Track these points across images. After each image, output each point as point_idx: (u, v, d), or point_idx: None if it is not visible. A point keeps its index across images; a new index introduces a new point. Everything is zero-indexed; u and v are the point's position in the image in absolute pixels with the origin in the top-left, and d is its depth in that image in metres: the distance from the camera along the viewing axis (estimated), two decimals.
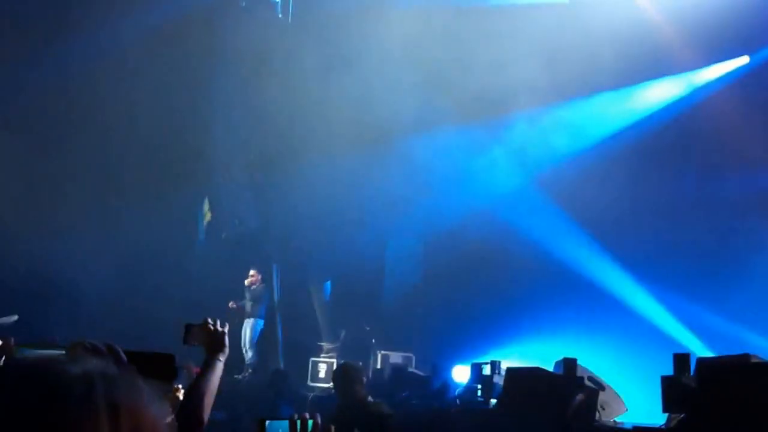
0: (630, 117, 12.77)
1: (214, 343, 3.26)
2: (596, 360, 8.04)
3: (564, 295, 11.79)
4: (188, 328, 3.33)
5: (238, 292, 12.68)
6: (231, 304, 12.46)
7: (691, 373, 4.97)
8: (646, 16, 12.11)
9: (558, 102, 12.89)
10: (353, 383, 6.16)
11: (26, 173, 12.19)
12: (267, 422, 2.73)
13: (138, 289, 11.88)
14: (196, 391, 3.09)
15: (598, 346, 10.39)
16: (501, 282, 12.30)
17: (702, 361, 3.80)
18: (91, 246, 12.23)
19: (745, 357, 3.89)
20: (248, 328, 12.52)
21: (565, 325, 11.31)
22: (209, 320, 3.29)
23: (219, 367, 3.22)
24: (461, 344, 11.60)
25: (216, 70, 13.36)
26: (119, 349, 1.75)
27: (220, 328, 3.30)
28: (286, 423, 2.68)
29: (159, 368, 1.82)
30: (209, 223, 13.57)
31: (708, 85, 12.36)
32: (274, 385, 10.46)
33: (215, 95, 13.37)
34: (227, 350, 3.26)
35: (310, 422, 2.63)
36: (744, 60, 12.20)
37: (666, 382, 5.04)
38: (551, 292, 11.89)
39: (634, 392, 7.44)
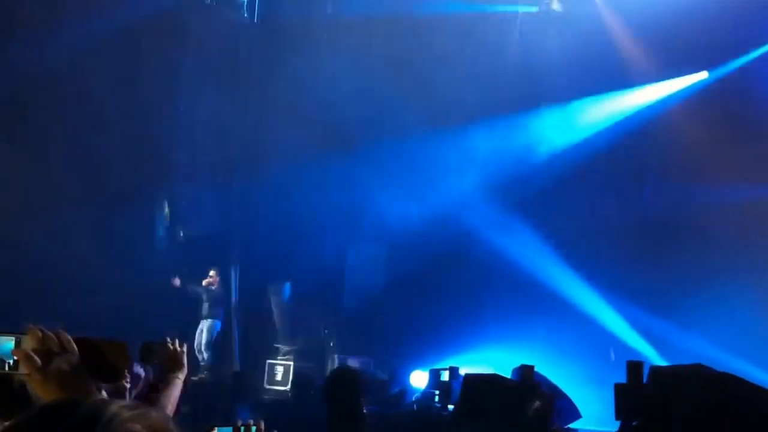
0: (589, 129, 12.92)
1: (173, 362, 3.32)
2: (553, 367, 8.10)
3: (524, 303, 11.87)
4: (148, 346, 3.39)
5: (197, 292, 12.52)
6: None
7: (644, 380, 5.01)
8: (609, 29, 12.29)
9: (519, 112, 12.98)
10: (357, 393, 5.01)
11: None
12: (216, 429, 2.75)
13: (95, 285, 11.66)
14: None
15: (556, 353, 10.47)
16: (462, 289, 12.34)
17: (655, 370, 3.84)
18: (49, 240, 11.99)
19: (698, 367, 3.95)
20: (205, 330, 12.38)
21: (525, 332, 11.37)
22: (169, 339, 3.35)
23: (178, 385, 3.27)
24: (421, 350, 11.60)
25: (180, 70, 13.19)
26: (69, 337, 1.74)
27: (179, 347, 3.34)
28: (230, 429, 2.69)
29: (110, 356, 1.79)
30: (168, 222, 13.39)
31: (667, 99, 12.57)
32: (235, 389, 10.35)
33: (179, 94, 13.20)
34: (186, 369, 3.33)
35: (254, 428, 2.64)
36: (703, 75, 12.43)
37: (619, 389, 5.07)
38: (512, 299, 11.95)
39: (588, 399, 7.51)
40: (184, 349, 3.40)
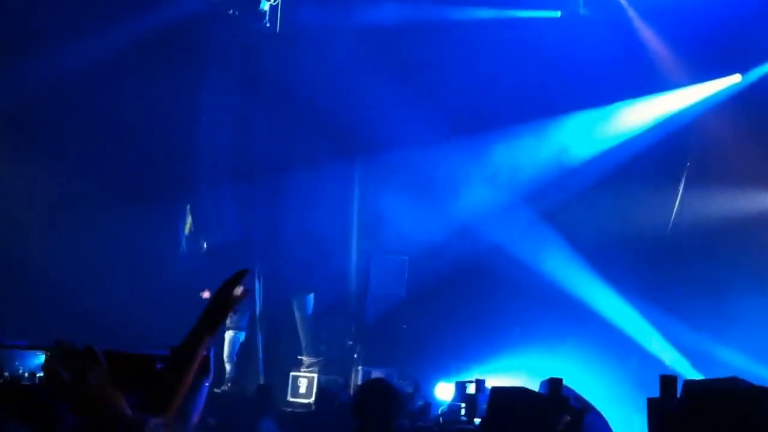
0: (617, 136, 12.70)
1: (199, 367, 3.25)
2: (581, 380, 7.89)
3: (549, 313, 11.69)
4: (173, 350, 3.33)
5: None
6: (204, 294, 12.25)
7: (678, 395, 4.80)
8: (638, 32, 12.09)
9: (545, 119, 12.82)
10: (393, 409, 4.88)
11: (6, 175, 12.06)
12: None
13: (117, 295, 11.70)
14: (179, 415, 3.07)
15: (584, 365, 10.26)
16: (485, 299, 12.19)
17: (689, 384, 3.65)
18: (72, 250, 12.07)
19: (733, 380, 3.75)
20: (227, 341, 12.30)
21: (551, 343, 11.18)
22: None
23: (204, 391, 3.21)
24: (445, 361, 11.46)
25: (203, 79, 13.26)
26: (98, 351, 1.78)
27: (204, 352, 3.29)
28: None
29: (139, 371, 1.88)
30: (190, 232, 13.43)
31: (699, 103, 12.31)
32: (259, 402, 10.25)
33: (202, 102, 13.26)
34: (212, 375, 3.25)
35: None
36: (736, 78, 12.15)
37: (652, 404, 4.87)
38: (537, 309, 11.79)
39: (619, 414, 7.30)
40: (211, 354, 3.24)
